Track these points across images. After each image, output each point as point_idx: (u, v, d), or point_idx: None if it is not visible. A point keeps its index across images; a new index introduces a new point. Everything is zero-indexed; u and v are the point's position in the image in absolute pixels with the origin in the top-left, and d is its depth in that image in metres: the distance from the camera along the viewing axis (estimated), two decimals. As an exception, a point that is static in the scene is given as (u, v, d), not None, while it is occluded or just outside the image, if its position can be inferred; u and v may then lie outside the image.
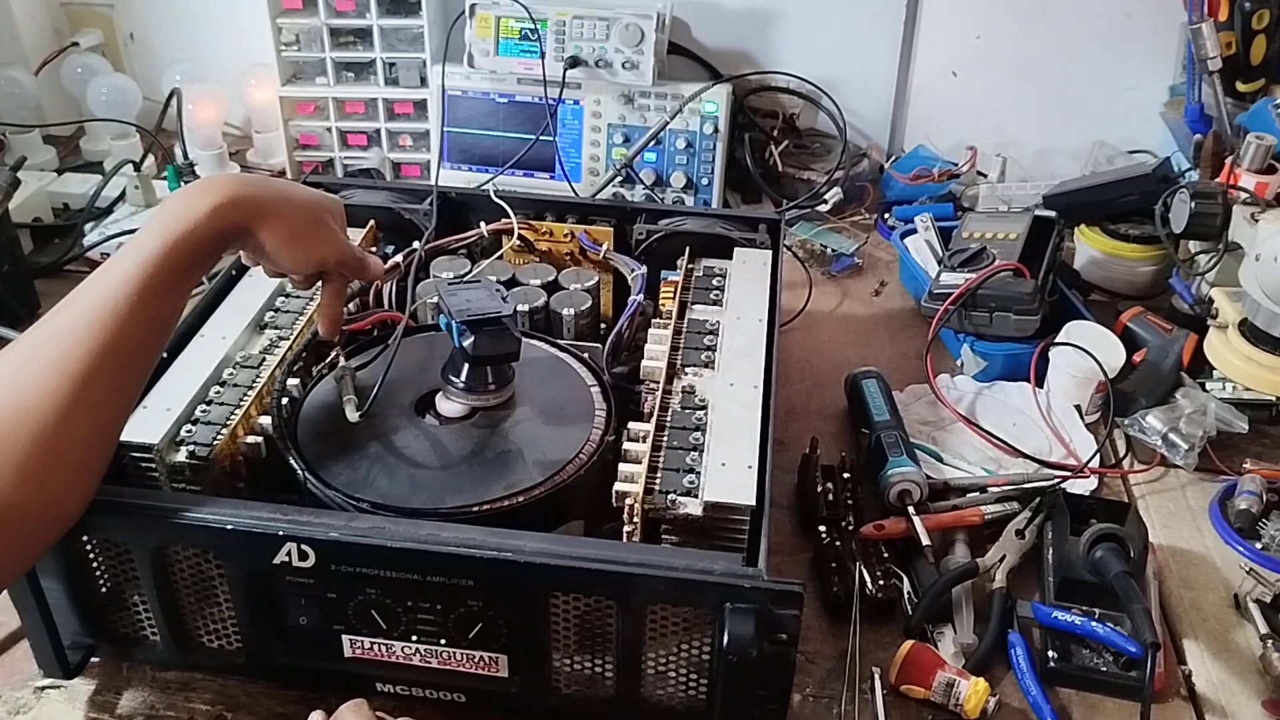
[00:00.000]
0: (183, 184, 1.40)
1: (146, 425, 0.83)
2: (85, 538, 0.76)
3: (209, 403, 0.87)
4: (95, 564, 0.78)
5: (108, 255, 1.32)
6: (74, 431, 0.69)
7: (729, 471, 0.81)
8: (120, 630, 0.81)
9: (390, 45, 1.48)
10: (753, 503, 0.78)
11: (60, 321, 0.71)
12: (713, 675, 0.74)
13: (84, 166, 1.58)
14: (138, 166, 1.42)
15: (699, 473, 0.81)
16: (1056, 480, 1.02)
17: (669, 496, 0.79)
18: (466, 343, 0.84)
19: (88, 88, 1.56)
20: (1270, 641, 0.88)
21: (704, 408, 0.88)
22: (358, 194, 1.16)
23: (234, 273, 1.02)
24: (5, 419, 0.66)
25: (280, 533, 0.72)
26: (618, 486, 0.80)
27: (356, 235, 1.11)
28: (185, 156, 1.44)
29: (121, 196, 1.43)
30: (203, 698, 0.82)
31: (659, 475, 0.81)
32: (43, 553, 0.72)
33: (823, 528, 0.96)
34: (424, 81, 1.49)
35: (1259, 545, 0.98)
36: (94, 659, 0.83)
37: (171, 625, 0.79)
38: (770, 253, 1.09)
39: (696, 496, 0.79)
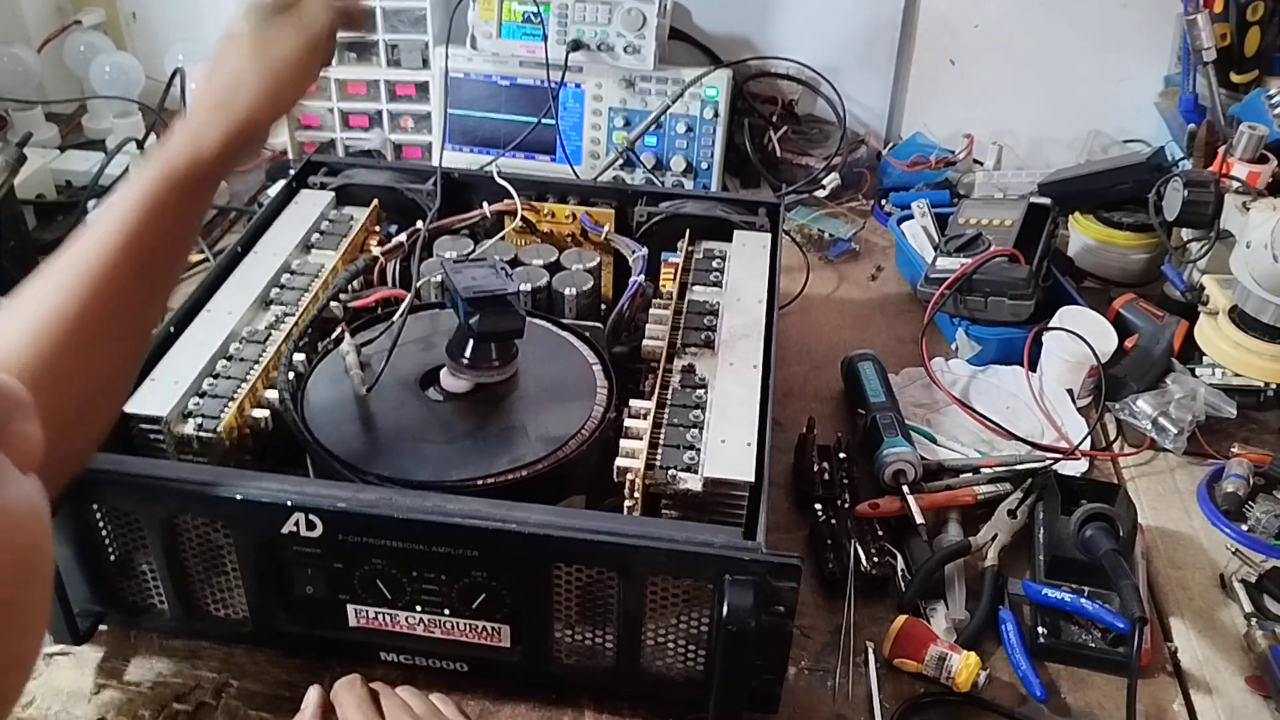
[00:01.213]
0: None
1: (155, 398, 0.84)
2: (95, 506, 0.77)
3: (216, 376, 0.89)
4: (105, 532, 0.79)
5: (111, 232, 1.35)
6: (99, 329, 0.67)
7: (729, 448, 0.82)
8: (129, 598, 0.82)
9: (392, 26, 1.49)
10: (752, 479, 0.80)
11: (82, 235, 0.70)
12: (711, 646, 0.76)
13: (86, 144, 1.58)
14: (141, 145, 1.43)
15: (699, 449, 0.83)
16: (1048, 462, 1.03)
17: (669, 472, 0.81)
18: (472, 319, 0.85)
19: (90, 66, 1.56)
20: (1254, 620, 0.90)
21: (704, 386, 0.89)
22: (361, 173, 1.17)
23: (239, 250, 1.03)
24: (32, 318, 0.65)
25: (289, 503, 0.73)
26: (619, 462, 0.81)
27: (360, 215, 1.12)
28: (188, 135, 1.45)
29: (124, 174, 1.44)
30: (209, 665, 0.83)
31: (660, 451, 0.83)
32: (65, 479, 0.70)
33: (818, 506, 0.97)
34: (426, 63, 1.50)
35: (1245, 527, 1.00)
36: (102, 626, 0.85)
37: (179, 594, 0.81)
38: (769, 236, 1.10)
39: (697, 472, 0.81)
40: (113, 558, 0.80)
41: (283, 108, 0.79)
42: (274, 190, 1.17)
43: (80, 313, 0.66)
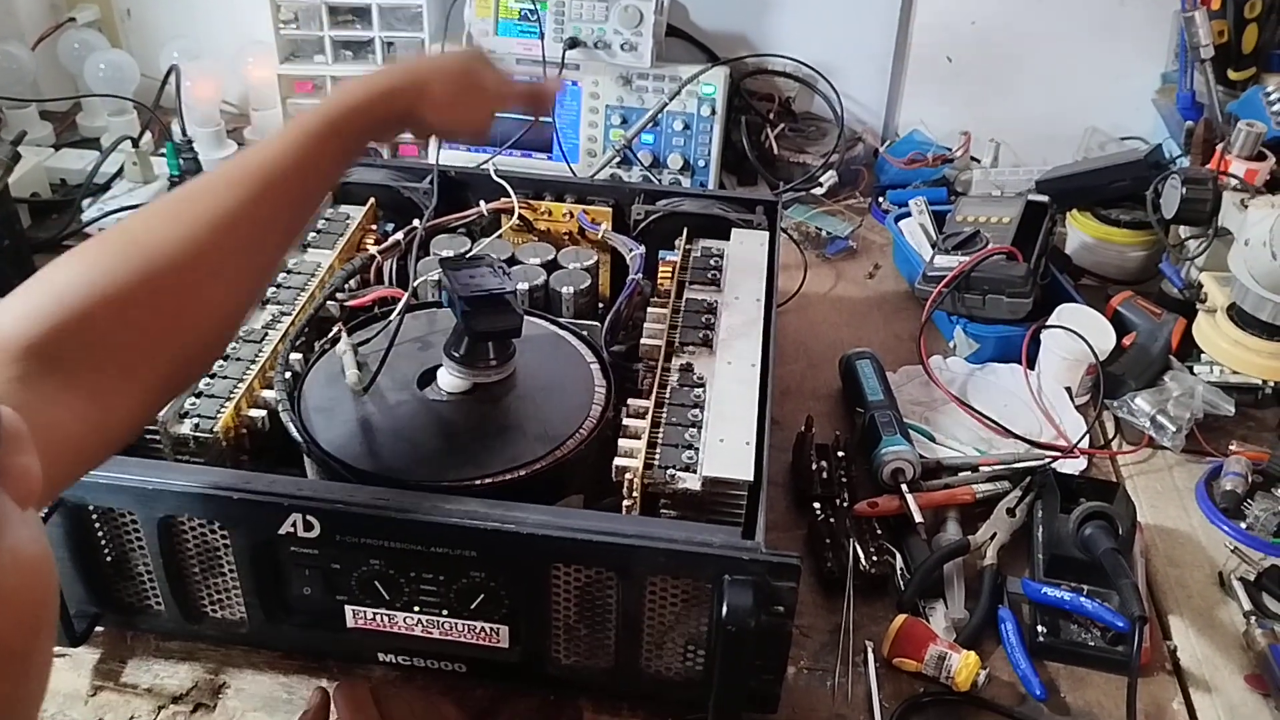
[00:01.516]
0: (181, 162, 1.40)
1: (151, 398, 0.84)
2: (91, 507, 0.77)
3: (213, 376, 0.88)
4: (100, 534, 0.79)
5: (104, 229, 1.35)
6: (216, 264, 0.66)
7: (727, 447, 0.82)
8: (125, 599, 0.82)
9: (389, 24, 1.48)
10: (751, 478, 0.79)
11: (217, 171, 0.70)
12: (710, 646, 0.76)
13: (81, 142, 1.57)
14: (136, 143, 1.42)
15: (698, 449, 0.82)
16: (1047, 460, 1.03)
17: (668, 471, 0.80)
18: (469, 319, 0.85)
19: (85, 63, 1.56)
20: (1253, 618, 0.90)
21: (702, 385, 0.89)
22: (357, 171, 1.17)
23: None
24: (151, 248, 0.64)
25: (286, 503, 0.73)
26: (618, 461, 0.81)
27: (356, 213, 1.11)
28: (184, 133, 1.44)
29: (119, 173, 1.43)
30: (206, 666, 0.83)
31: (658, 451, 0.82)
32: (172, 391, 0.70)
33: (817, 505, 0.97)
34: (422, 61, 1.49)
35: (1243, 525, 1.00)
36: (99, 628, 0.84)
37: (176, 595, 0.80)
38: (767, 234, 1.10)
39: (695, 472, 0.80)
40: (109, 559, 0.80)
41: (429, 117, 0.79)
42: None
43: (233, 216, 0.66)
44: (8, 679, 0.37)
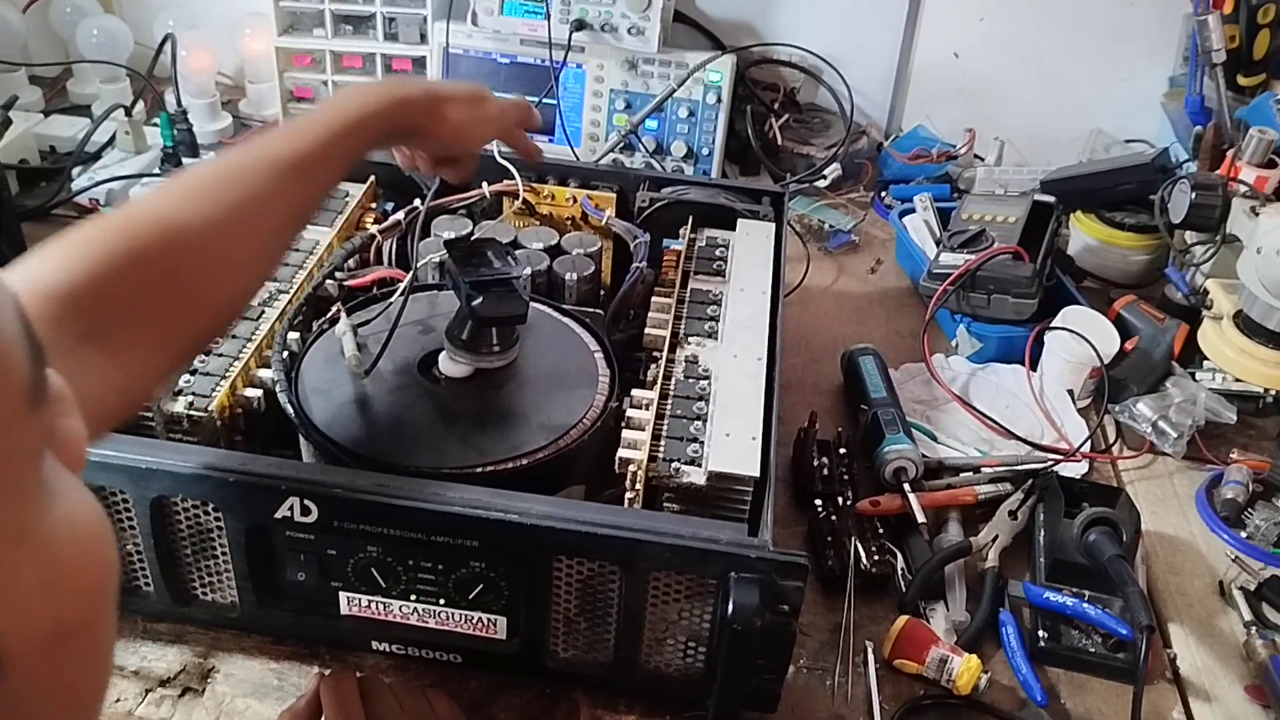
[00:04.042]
0: (175, 133, 1.37)
1: (145, 374, 0.82)
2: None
3: (208, 354, 0.86)
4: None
5: (97, 201, 1.32)
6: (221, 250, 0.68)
7: (733, 442, 0.81)
8: (113, 580, 0.80)
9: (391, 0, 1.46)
10: (757, 474, 0.78)
11: (249, 154, 0.71)
12: (712, 644, 0.75)
13: (71, 109, 1.54)
14: (128, 111, 1.39)
15: (703, 442, 0.81)
16: (1049, 463, 1.03)
17: (673, 465, 0.79)
18: (474, 303, 0.83)
19: (77, 28, 1.52)
20: (1253, 628, 0.89)
21: (707, 378, 0.88)
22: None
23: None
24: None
25: (284, 487, 0.71)
26: (622, 453, 0.80)
27: (356, 191, 1.09)
28: (179, 104, 1.42)
29: (111, 141, 1.40)
30: (195, 650, 0.81)
31: (663, 443, 0.81)
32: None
33: (818, 502, 0.96)
34: (424, 38, 1.47)
35: (1244, 534, 0.99)
36: (85, 608, 0.82)
37: (167, 576, 0.78)
38: (773, 226, 1.09)
39: (700, 466, 0.79)
40: (98, 538, 0.78)
41: (436, 132, 0.83)
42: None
43: (262, 202, 0.69)
44: (81, 653, 0.35)
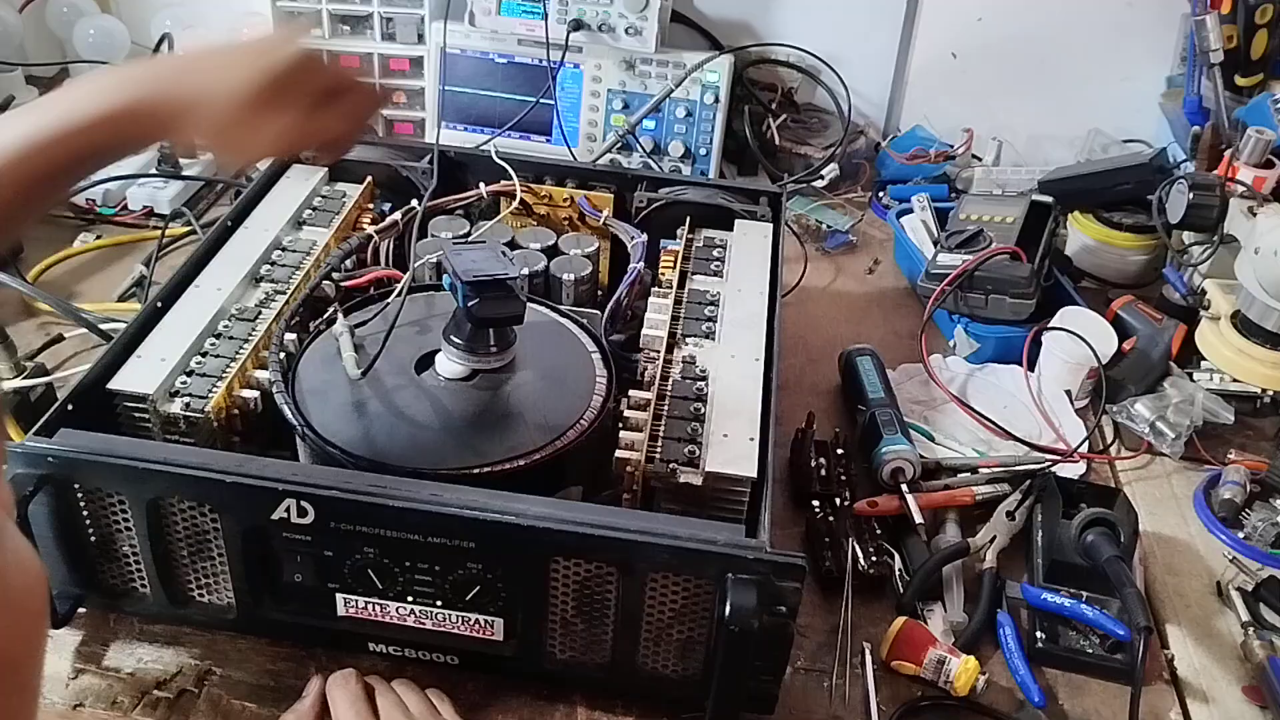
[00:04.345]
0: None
1: (141, 375, 0.82)
2: (76, 486, 0.74)
3: (204, 355, 0.86)
4: (85, 514, 0.76)
5: (93, 200, 1.32)
6: None
7: (730, 443, 0.81)
8: (109, 581, 0.80)
9: (387, -1, 1.46)
10: (754, 475, 0.78)
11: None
12: (709, 645, 0.74)
13: (68, 109, 1.54)
14: (125, 111, 1.39)
15: (700, 443, 0.81)
16: (1047, 464, 1.02)
17: (670, 465, 0.79)
18: (471, 304, 0.83)
19: (74, 28, 1.52)
20: (1251, 629, 0.89)
21: (705, 378, 0.88)
22: (355, 149, 1.14)
23: (229, 224, 1.00)
24: None
25: (281, 488, 0.71)
26: (619, 454, 0.80)
27: (353, 191, 1.09)
28: (174, 103, 1.41)
29: (107, 142, 1.40)
30: (191, 652, 0.81)
31: (660, 444, 0.81)
32: None
33: (815, 502, 0.96)
34: (421, 38, 1.46)
35: (1241, 535, 0.99)
36: (81, 609, 0.82)
37: (163, 578, 0.78)
38: (771, 226, 1.08)
39: (697, 466, 0.79)
40: (93, 539, 0.78)
41: (199, 140, 0.67)
42: (264, 164, 1.14)
43: None
44: (13, 691, 0.35)
